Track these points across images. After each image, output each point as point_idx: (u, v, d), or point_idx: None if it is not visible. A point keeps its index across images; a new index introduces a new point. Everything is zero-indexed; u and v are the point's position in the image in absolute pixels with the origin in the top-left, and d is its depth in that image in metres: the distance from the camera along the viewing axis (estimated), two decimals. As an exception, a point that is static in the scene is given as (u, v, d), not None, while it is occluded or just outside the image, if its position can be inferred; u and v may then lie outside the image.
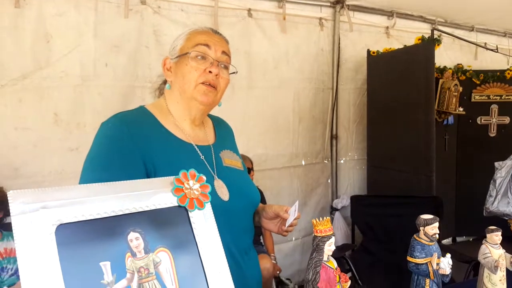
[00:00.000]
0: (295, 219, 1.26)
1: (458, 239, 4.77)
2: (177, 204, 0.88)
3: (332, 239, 0.97)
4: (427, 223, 1.05)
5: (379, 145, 3.79)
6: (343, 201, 4.06)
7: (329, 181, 4.12)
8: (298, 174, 3.82)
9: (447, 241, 4.65)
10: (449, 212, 4.39)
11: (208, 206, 0.93)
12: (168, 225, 0.85)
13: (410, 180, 3.39)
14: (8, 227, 2.27)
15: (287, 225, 1.29)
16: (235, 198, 1.20)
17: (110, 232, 0.76)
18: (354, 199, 3.48)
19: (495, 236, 1.25)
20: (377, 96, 3.72)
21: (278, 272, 3.06)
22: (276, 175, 3.63)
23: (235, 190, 1.21)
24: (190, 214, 0.89)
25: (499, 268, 1.23)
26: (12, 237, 2.27)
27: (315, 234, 0.98)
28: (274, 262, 3.05)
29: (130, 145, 1.09)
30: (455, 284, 1.57)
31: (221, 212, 0.98)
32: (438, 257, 1.05)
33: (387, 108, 3.59)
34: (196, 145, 1.22)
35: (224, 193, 1.18)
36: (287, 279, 3.22)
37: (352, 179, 4.22)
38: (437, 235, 1.06)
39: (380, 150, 3.77)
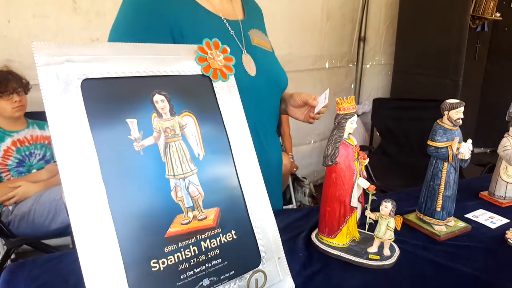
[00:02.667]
0: (324, 107, 1.22)
1: (476, 150, 4.78)
2: (201, 73, 0.87)
3: (355, 117, 0.96)
4: (452, 107, 1.02)
5: (408, 48, 3.64)
6: (364, 107, 4.03)
7: (352, 86, 4.05)
8: (321, 77, 3.74)
9: (464, 151, 4.67)
10: (470, 123, 4.33)
11: (232, 79, 0.92)
12: (193, 92, 0.85)
13: (435, 85, 3.30)
14: (32, 116, 2.34)
15: (315, 111, 1.25)
16: (262, 75, 1.17)
17: (135, 91, 0.76)
18: (377, 101, 3.44)
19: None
20: (411, -6, 3.48)
21: (294, 169, 3.16)
22: (299, 78, 3.56)
23: (262, 69, 1.18)
24: (214, 84, 0.89)
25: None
26: (37, 124, 2.37)
27: (338, 112, 0.96)
28: (292, 160, 3.14)
29: (157, 12, 1.05)
30: (471, 178, 1.59)
31: (247, 87, 0.96)
32: (459, 142, 1.04)
33: (420, 9, 3.39)
34: (225, 18, 1.16)
35: (251, 68, 1.15)
36: (303, 177, 3.34)
37: (377, 85, 4.13)
38: (460, 121, 1.04)
39: (409, 54, 3.63)
